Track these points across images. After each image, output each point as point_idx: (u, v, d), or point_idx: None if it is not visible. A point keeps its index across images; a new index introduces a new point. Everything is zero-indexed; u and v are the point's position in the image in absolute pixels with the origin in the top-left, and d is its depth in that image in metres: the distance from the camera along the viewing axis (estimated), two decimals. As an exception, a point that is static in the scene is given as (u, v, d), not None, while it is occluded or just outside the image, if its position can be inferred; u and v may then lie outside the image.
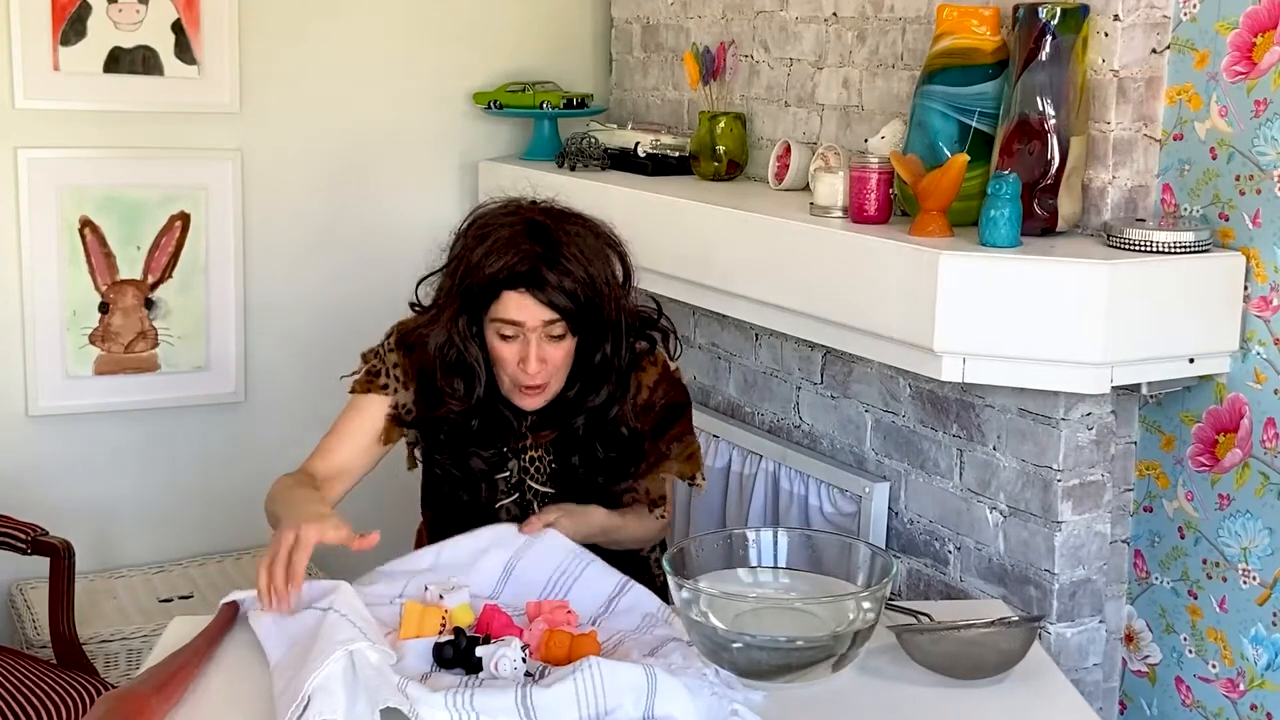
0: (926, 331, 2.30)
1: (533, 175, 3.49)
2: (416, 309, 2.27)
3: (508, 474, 2.24)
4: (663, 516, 2.34)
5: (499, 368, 2.15)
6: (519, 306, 2.08)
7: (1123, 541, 2.59)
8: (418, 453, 2.30)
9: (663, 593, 1.96)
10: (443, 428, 2.21)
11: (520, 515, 2.20)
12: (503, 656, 1.75)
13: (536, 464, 2.24)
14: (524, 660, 1.76)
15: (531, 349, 2.10)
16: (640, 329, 2.27)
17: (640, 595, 1.98)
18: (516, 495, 2.24)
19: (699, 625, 1.80)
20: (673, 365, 2.32)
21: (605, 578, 2.00)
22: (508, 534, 2.06)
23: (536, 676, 1.73)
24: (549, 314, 2.09)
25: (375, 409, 2.24)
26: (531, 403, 2.17)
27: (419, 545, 2.31)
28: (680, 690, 1.65)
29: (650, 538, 2.34)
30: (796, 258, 2.60)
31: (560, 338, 2.12)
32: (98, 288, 3.40)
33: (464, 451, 2.21)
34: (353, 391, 2.27)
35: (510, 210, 2.17)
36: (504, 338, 2.11)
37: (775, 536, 2.00)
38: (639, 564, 2.32)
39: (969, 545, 2.63)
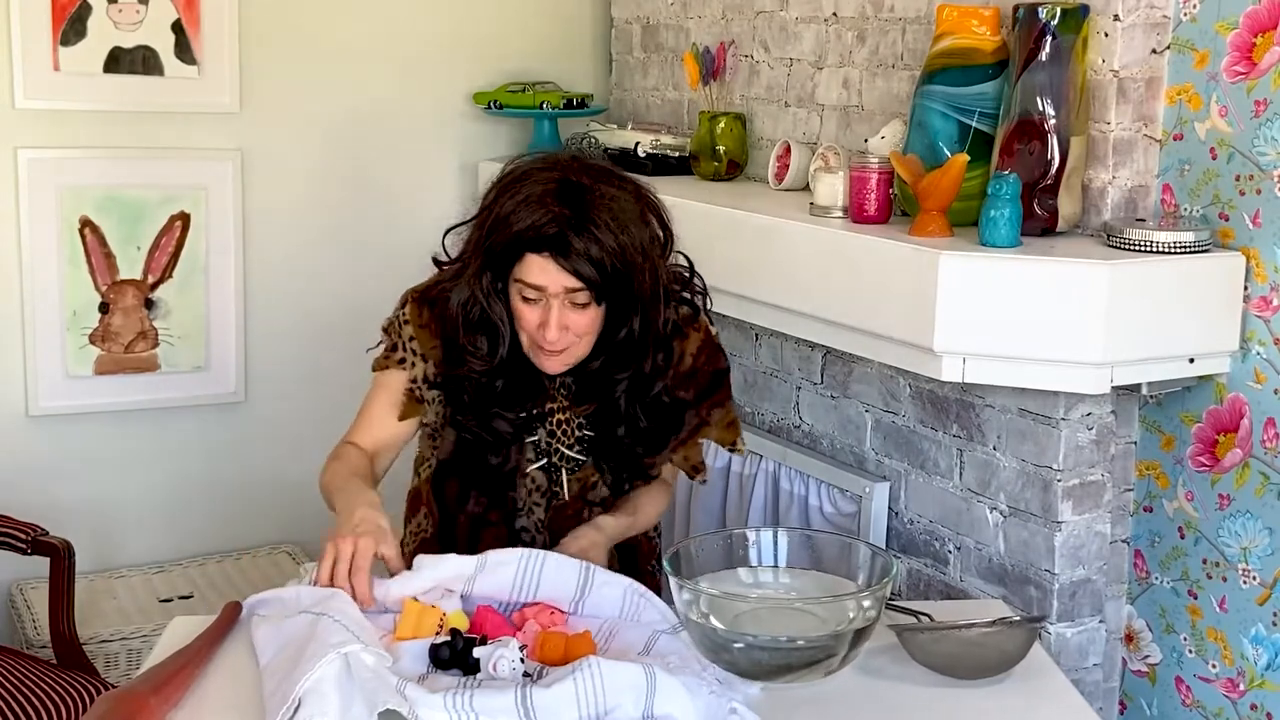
0: (926, 331, 2.30)
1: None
2: (443, 264, 2.18)
3: (536, 439, 2.16)
4: (704, 482, 2.32)
5: (521, 329, 2.07)
6: (541, 270, 1.98)
7: (1123, 541, 2.59)
8: (441, 418, 2.20)
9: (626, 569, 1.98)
10: (467, 387, 2.12)
11: (546, 484, 2.17)
12: (501, 657, 1.75)
13: (564, 427, 2.16)
14: (522, 660, 1.75)
15: (553, 315, 2.00)
16: (678, 295, 2.17)
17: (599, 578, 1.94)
18: (545, 461, 2.17)
19: (699, 625, 1.80)
20: (714, 330, 2.24)
21: (566, 567, 1.94)
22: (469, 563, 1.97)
23: (534, 677, 1.73)
24: (572, 281, 1.98)
25: (395, 384, 2.17)
26: (552, 366, 2.08)
27: (412, 511, 2.27)
28: (679, 689, 1.65)
29: (660, 512, 2.29)
30: (796, 258, 2.60)
31: (585, 305, 2.02)
32: (98, 288, 3.40)
33: (489, 413, 2.12)
34: (374, 369, 2.20)
35: (549, 164, 2.05)
36: (526, 300, 2.02)
37: (775, 536, 2.00)
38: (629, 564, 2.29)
39: (969, 545, 2.63)
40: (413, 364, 2.16)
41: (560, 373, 2.11)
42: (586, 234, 1.97)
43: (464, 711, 1.61)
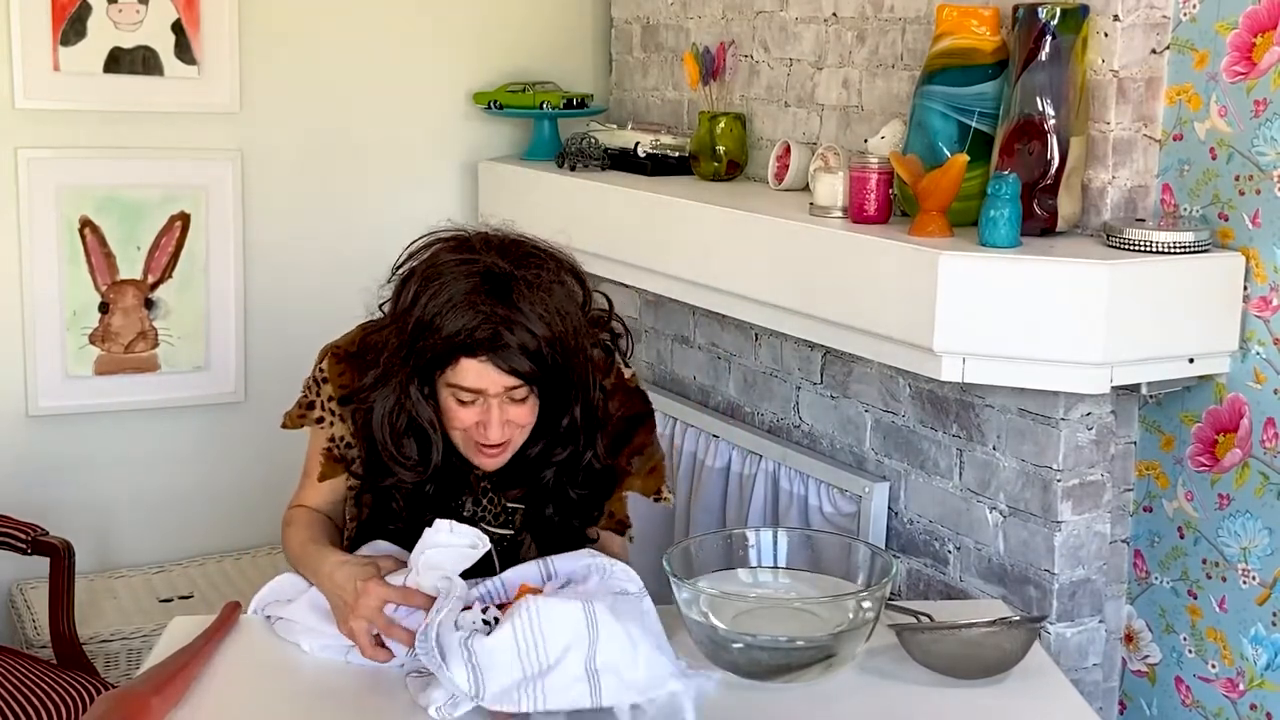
0: (926, 331, 2.30)
1: (532, 175, 3.51)
2: (370, 327, 2.06)
3: (465, 513, 2.05)
4: (630, 539, 2.13)
5: (453, 429, 1.95)
6: (479, 374, 1.86)
7: (1122, 541, 2.59)
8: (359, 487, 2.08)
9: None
10: (394, 495, 2.01)
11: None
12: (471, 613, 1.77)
13: (490, 508, 2.07)
14: (487, 611, 1.77)
15: (494, 415, 1.89)
16: (595, 337, 2.03)
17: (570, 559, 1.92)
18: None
19: (699, 625, 1.80)
20: (627, 373, 2.11)
21: (525, 568, 1.91)
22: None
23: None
24: (511, 380, 1.87)
25: (318, 443, 2.08)
26: (491, 463, 1.96)
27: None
28: (621, 636, 1.67)
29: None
30: (796, 258, 2.60)
31: (523, 400, 1.91)
32: (98, 288, 3.40)
33: (418, 512, 1.99)
34: (285, 426, 2.11)
35: (463, 253, 1.92)
36: (462, 402, 1.90)
37: (775, 536, 2.00)
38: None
39: (969, 545, 2.63)
40: (331, 423, 2.05)
41: (496, 469, 1.99)
42: (520, 329, 1.85)
43: (426, 641, 1.70)
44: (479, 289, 1.86)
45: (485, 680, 1.67)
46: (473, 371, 1.87)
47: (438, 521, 1.86)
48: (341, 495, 2.10)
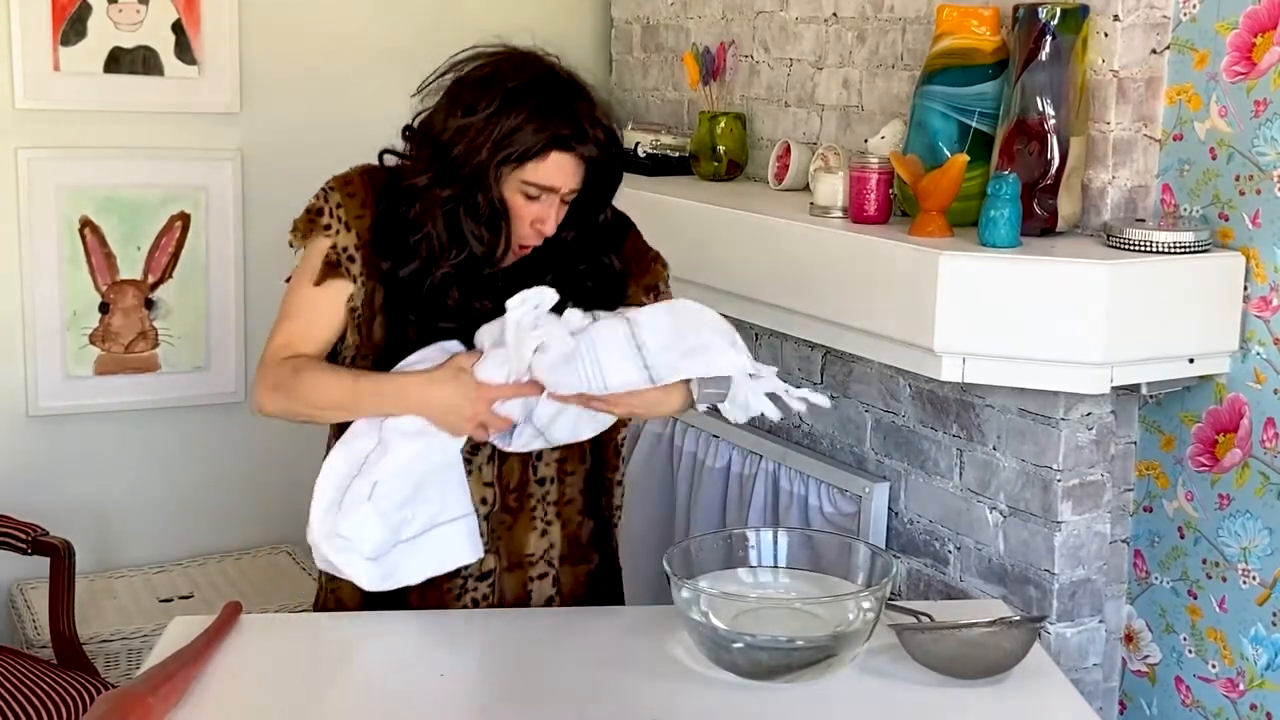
0: (926, 331, 2.30)
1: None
2: (391, 155, 2.12)
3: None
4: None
5: (515, 221, 2.00)
6: (563, 169, 1.96)
7: (1123, 541, 2.59)
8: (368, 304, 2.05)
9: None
10: (417, 288, 2.01)
11: None
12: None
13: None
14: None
15: (554, 211, 1.98)
16: None
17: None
18: None
19: (699, 625, 1.80)
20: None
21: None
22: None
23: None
24: (579, 180, 1.99)
25: (316, 254, 2.07)
26: (513, 258, 2.02)
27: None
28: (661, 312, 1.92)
29: None
30: (796, 258, 2.60)
31: (572, 200, 2.02)
32: (98, 288, 3.40)
33: (436, 315, 2.01)
34: (292, 235, 2.11)
35: (519, 60, 2.07)
36: (530, 198, 1.98)
37: (775, 536, 2.00)
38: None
39: (969, 545, 2.63)
40: (336, 230, 2.06)
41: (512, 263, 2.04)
42: (601, 127, 2.00)
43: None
44: (560, 90, 1.99)
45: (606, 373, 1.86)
46: (558, 166, 1.96)
47: (510, 301, 1.92)
48: (331, 331, 2.06)
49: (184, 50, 3.40)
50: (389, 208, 2.05)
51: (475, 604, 2.04)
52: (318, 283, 2.06)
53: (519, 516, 2.05)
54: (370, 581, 1.94)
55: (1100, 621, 2.54)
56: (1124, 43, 2.40)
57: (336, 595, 2.07)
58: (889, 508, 2.78)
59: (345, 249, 2.05)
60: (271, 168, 3.54)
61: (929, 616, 1.95)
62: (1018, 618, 1.99)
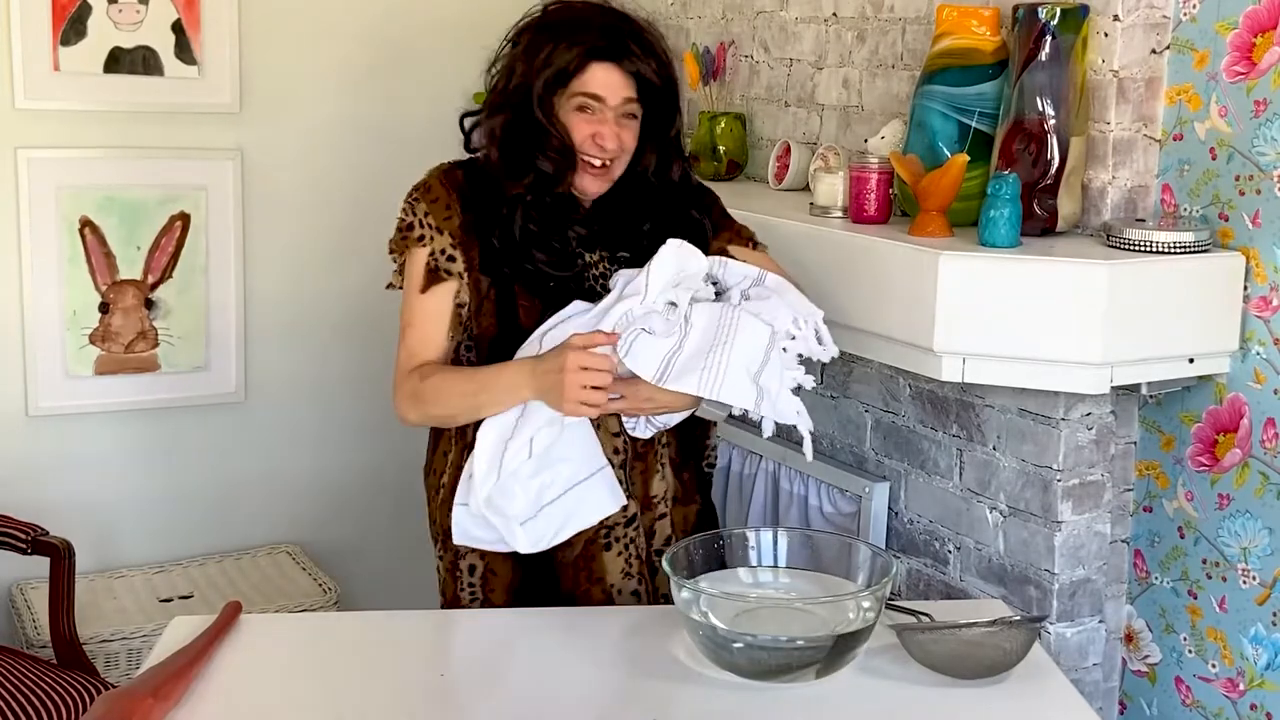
0: (926, 331, 2.30)
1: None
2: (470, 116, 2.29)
3: (579, 283, 2.15)
4: (765, 247, 2.36)
5: (574, 136, 2.12)
6: (605, 79, 2.09)
7: (1123, 541, 2.59)
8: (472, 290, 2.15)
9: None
10: (499, 230, 2.13)
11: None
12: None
13: (601, 281, 2.16)
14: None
15: (609, 125, 2.10)
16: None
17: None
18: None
19: (699, 625, 1.80)
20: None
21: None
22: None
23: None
24: (630, 90, 2.10)
25: (417, 266, 2.15)
26: (595, 186, 2.14)
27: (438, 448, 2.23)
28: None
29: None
30: (796, 258, 2.60)
31: (633, 118, 2.12)
32: (98, 288, 3.40)
33: (525, 253, 2.12)
34: (392, 252, 2.18)
35: (580, 4, 2.17)
36: (581, 110, 2.11)
37: (775, 536, 2.00)
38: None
39: (969, 545, 2.63)
40: (430, 238, 2.14)
41: (597, 195, 2.16)
42: (643, 41, 2.11)
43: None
44: (600, 15, 2.12)
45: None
46: (600, 77, 2.08)
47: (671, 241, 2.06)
48: (447, 334, 2.15)
49: (184, 50, 3.40)
50: (473, 195, 2.16)
51: (625, 549, 2.15)
52: (423, 290, 2.16)
53: (647, 460, 2.18)
54: (528, 544, 2.07)
55: (1100, 621, 2.54)
56: (1124, 43, 2.40)
57: (487, 595, 2.18)
58: (889, 507, 2.78)
59: (443, 251, 2.14)
60: (271, 168, 3.55)
61: (929, 616, 1.95)
62: (1018, 618, 1.99)
